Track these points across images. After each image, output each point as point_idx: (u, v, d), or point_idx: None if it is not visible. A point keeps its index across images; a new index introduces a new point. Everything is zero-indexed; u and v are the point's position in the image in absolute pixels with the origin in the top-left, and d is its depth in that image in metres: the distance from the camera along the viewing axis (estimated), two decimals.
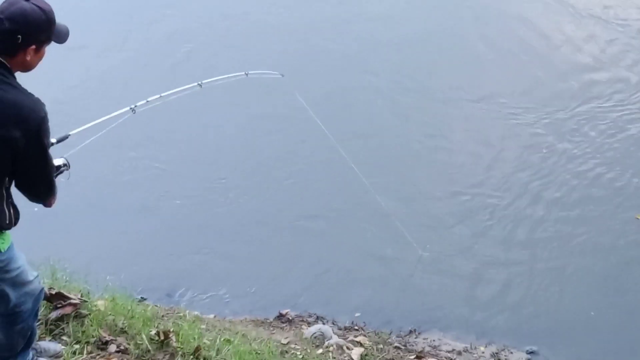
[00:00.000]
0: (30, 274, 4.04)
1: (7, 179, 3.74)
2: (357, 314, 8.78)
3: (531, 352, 8.18)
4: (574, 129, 11.83)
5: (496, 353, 8.09)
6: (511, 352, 8.12)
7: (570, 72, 13.23)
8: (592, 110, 12.23)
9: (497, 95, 12.59)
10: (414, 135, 11.92)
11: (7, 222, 3.78)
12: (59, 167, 4.40)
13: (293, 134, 11.78)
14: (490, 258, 9.59)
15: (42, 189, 3.93)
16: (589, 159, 11.17)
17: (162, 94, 6.09)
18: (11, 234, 3.88)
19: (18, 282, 3.94)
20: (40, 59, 3.80)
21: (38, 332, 4.61)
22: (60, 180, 4.38)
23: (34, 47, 3.68)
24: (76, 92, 12.60)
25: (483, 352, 8.09)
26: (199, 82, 6.63)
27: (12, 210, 3.82)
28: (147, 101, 5.88)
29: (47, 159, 3.80)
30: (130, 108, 5.66)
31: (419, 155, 11.55)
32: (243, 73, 7.42)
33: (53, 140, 4.61)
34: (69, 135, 4.89)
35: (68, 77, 12.76)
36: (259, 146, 11.65)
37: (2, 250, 3.78)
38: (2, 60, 3.62)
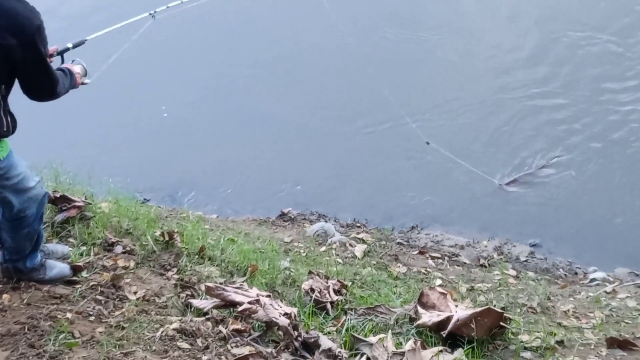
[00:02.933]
0: (32, 180, 4.03)
1: (3, 86, 3.70)
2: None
3: (534, 245, 8.25)
4: None
5: (499, 247, 8.14)
6: (514, 246, 8.17)
7: None
8: None
9: None
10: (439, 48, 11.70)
11: (5, 129, 3.75)
12: (71, 73, 4.31)
13: (311, 41, 11.60)
14: (496, 152, 9.62)
15: (45, 92, 3.92)
16: None
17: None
18: (10, 141, 3.86)
19: (20, 189, 3.94)
20: None
21: (45, 234, 4.64)
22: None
23: None
24: None
25: (486, 246, 8.14)
26: None
27: (9, 118, 3.79)
28: (167, 7, 5.74)
29: (45, 65, 3.76)
30: (150, 14, 5.54)
31: (431, 59, 11.43)
32: None
33: (69, 45, 4.58)
34: (86, 40, 4.80)
35: None
36: (268, 52, 11.47)
37: (2, 158, 3.76)
38: None
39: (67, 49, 4.54)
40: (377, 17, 12.10)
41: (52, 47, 4.28)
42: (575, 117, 10.01)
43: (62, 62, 4.42)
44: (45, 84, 3.84)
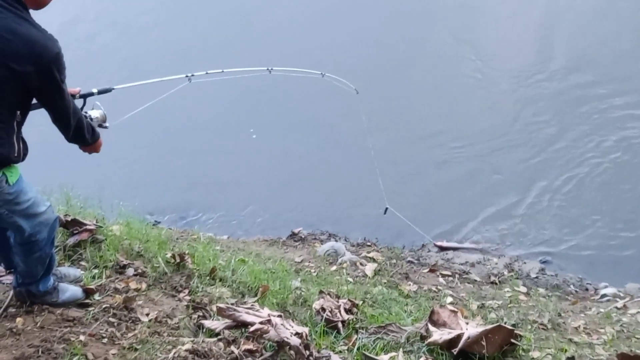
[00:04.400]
0: (43, 205, 4.05)
1: (18, 112, 3.72)
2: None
3: (544, 262, 8.25)
4: None
5: (509, 264, 8.14)
6: (524, 262, 8.18)
7: None
8: None
9: None
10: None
11: (16, 155, 3.78)
12: (89, 116, 4.36)
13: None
14: (504, 172, 9.67)
15: (63, 124, 3.93)
16: None
17: (225, 70, 5.85)
18: (21, 165, 3.89)
19: (30, 214, 3.96)
20: None
21: (57, 258, 4.67)
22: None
23: None
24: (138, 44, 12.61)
25: (496, 264, 8.14)
26: (269, 68, 6.26)
27: (21, 145, 3.82)
28: (207, 73, 5.67)
29: (62, 93, 3.77)
30: (187, 76, 5.49)
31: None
32: (320, 73, 7.03)
33: (94, 90, 4.60)
34: (113, 89, 4.78)
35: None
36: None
37: (11, 183, 3.78)
38: None
39: (91, 94, 4.55)
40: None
41: (75, 89, 4.32)
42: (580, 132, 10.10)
43: (84, 105, 4.44)
44: (62, 113, 3.87)
